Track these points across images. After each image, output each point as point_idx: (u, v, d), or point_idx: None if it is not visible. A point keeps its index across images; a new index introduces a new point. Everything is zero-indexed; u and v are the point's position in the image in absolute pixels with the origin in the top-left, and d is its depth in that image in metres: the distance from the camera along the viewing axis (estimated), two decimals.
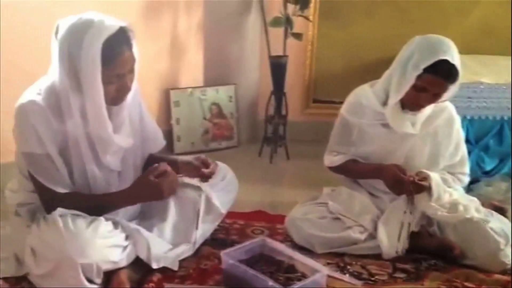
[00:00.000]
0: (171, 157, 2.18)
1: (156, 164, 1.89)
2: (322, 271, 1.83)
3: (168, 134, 3.49)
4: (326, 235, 2.16)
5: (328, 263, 2.08)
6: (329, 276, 1.88)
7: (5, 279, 1.94)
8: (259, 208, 2.65)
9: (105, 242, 1.79)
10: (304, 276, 1.86)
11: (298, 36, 3.36)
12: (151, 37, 3.36)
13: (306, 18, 3.44)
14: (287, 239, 2.28)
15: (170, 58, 3.57)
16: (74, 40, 1.68)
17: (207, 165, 2.02)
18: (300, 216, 2.24)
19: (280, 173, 3.34)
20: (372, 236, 2.14)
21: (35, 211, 1.92)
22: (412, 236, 2.14)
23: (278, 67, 3.39)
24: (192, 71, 3.71)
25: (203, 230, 2.15)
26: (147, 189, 1.86)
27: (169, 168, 1.88)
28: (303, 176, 3.19)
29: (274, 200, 2.85)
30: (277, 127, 3.48)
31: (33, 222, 1.88)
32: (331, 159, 2.30)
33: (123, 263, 1.86)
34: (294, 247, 2.17)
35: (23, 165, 1.87)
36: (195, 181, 2.13)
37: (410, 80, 1.99)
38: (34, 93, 1.79)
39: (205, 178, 2.04)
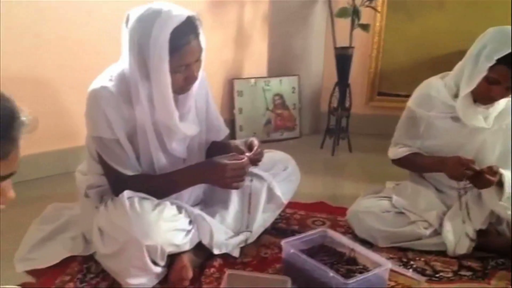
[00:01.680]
0: (225, 142, 2.17)
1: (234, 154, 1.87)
2: (385, 264, 1.79)
3: (231, 124, 3.53)
4: (390, 229, 2.12)
5: (391, 258, 2.04)
6: (391, 271, 1.84)
7: (73, 257, 2.02)
8: (319, 200, 2.64)
9: (170, 226, 1.82)
10: (365, 269, 1.83)
11: (365, 27, 3.30)
12: (217, 27, 3.40)
13: (374, 9, 3.38)
14: (348, 231, 2.27)
15: (235, 48, 3.60)
16: (142, 30, 1.70)
17: (250, 148, 1.96)
18: (363, 209, 2.21)
19: (341, 165, 3.31)
20: (437, 232, 2.09)
21: (104, 193, 1.97)
22: (480, 234, 2.06)
23: (343, 58, 3.35)
24: (256, 61, 3.73)
25: (263, 219, 2.16)
26: (210, 172, 1.85)
27: (244, 164, 1.84)
28: (365, 169, 3.15)
29: (335, 192, 2.83)
30: (340, 119, 3.44)
31: (101, 204, 1.94)
32: (395, 151, 2.26)
33: (186, 247, 1.90)
34: (355, 239, 2.15)
35: (92, 148, 1.93)
36: (257, 171, 2.12)
37: (482, 71, 1.91)
38: (105, 79, 1.84)
39: (255, 161, 1.95)
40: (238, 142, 2.02)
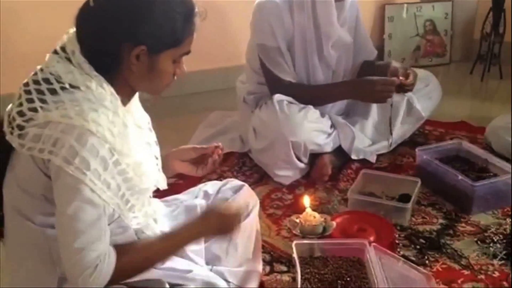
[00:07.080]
0: (384, 62, 2.34)
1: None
2: None
3: (380, 49, 3.59)
4: None
5: None
6: None
7: (232, 153, 2.36)
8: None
9: (313, 126, 2.07)
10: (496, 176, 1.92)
11: None
12: None
13: None
14: (485, 148, 2.27)
15: None
16: None
17: (406, 76, 2.10)
18: (503, 124, 2.24)
19: (490, 91, 3.27)
20: None
21: (259, 99, 2.25)
22: None
23: None
24: None
25: (402, 131, 2.31)
26: (361, 87, 2.08)
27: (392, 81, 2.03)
28: None
29: (481, 115, 2.81)
30: (492, 45, 3.35)
31: (256, 108, 2.23)
32: None
33: (327, 148, 2.13)
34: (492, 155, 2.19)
35: (252, 59, 2.22)
36: None
37: None
38: None
39: (405, 89, 2.12)
40: (398, 65, 2.16)
